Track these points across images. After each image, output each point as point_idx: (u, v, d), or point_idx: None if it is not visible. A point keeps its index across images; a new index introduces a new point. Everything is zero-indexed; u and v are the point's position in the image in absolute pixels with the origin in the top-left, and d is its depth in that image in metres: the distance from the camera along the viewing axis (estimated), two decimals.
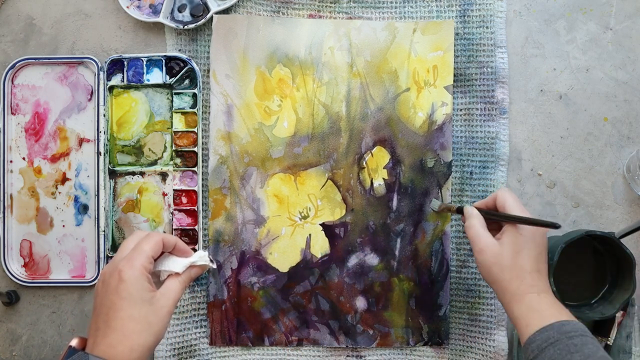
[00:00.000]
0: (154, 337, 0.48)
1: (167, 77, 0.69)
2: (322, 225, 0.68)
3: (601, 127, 0.69)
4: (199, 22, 0.68)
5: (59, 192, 0.69)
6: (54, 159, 0.69)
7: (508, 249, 0.56)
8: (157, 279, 0.54)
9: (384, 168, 0.68)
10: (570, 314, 0.53)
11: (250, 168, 0.68)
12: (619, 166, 0.69)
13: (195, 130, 0.68)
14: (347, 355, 0.68)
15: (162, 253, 0.54)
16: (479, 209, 0.59)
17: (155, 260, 0.52)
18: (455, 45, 0.68)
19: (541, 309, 0.53)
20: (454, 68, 0.68)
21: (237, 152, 0.68)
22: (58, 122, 0.69)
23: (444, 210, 0.66)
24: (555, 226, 0.53)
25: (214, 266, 0.57)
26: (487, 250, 0.56)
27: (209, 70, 0.69)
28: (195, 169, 0.68)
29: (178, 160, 0.69)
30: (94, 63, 0.68)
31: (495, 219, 0.58)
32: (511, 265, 0.55)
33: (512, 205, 0.57)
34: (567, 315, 0.53)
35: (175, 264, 0.53)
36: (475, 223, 0.58)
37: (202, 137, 0.69)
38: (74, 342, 0.49)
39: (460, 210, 0.62)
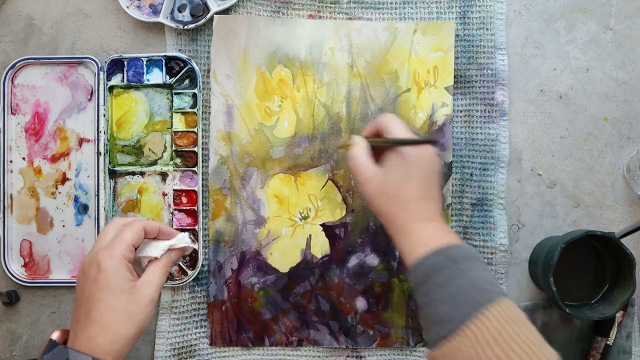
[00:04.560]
0: (135, 327, 0.48)
1: (167, 77, 0.69)
2: (323, 225, 0.68)
3: (601, 127, 0.69)
4: (199, 22, 0.68)
5: (59, 192, 0.69)
6: (54, 159, 0.69)
7: (391, 177, 0.52)
8: (139, 267, 0.53)
9: None
10: (458, 238, 0.51)
11: (250, 168, 0.68)
12: (619, 166, 0.69)
13: (195, 130, 0.68)
14: (347, 356, 0.68)
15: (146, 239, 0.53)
16: (367, 138, 0.56)
17: (137, 247, 0.51)
18: (455, 47, 0.68)
19: (426, 236, 0.50)
20: (454, 70, 0.68)
21: (237, 153, 0.68)
22: (58, 122, 0.69)
23: (342, 147, 0.63)
24: (433, 142, 0.50)
25: (195, 246, 0.56)
26: (371, 181, 0.53)
27: (209, 70, 0.69)
28: (195, 169, 0.68)
29: (178, 160, 0.69)
30: (94, 63, 0.68)
31: (379, 145, 0.55)
32: (395, 193, 0.52)
33: (394, 128, 0.54)
34: (454, 239, 0.50)
35: (153, 249, 0.52)
36: (358, 152, 0.54)
37: (202, 137, 0.69)
38: (55, 335, 0.48)
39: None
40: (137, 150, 0.69)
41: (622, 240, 0.62)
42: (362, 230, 0.68)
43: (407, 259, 0.51)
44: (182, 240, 0.54)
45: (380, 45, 0.68)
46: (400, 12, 0.69)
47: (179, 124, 0.68)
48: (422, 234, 0.51)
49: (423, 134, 0.58)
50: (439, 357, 0.45)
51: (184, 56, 0.68)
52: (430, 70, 0.68)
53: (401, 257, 0.51)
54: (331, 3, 0.69)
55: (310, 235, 0.68)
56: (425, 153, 0.53)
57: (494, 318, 0.44)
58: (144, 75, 0.68)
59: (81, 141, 0.69)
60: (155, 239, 0.53)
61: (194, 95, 0.68)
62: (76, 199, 0.69)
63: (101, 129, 0.68)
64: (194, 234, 0.68)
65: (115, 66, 0.69)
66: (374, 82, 0.68)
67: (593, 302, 0.64)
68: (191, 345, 0.68)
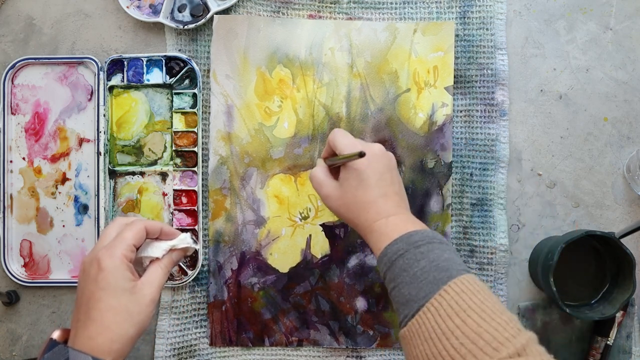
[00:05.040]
0: (135, 327, 0.48)
1: (167, 77, 0.69)
2: (323, 225, 0.68)
3: (601, 127, 0.69)
4: (199, 22, 0.68)
5: (59, 192, 0.69)
6: (54, 159, 0.69)
7: (347, 187, 0.55)
8: (140, 267, 0.53)
9: None
10: (422, 224, 0.53)
11: (250, 169, 0.68)
12: (619, 166, 0.69)
13: (195, 130, 0.68)
14: (347, 356, 0.68)
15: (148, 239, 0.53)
16: (325, 159, 0.60)
17: (139, 247, 0.51)
18: (455, 47, 0.68)
19: (389, 230, 0.52)
20: (454, 70, 0.68)
21: (237, 153, 0.68)
22: (58, 122, 0.69)
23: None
24: (361, 155, 0.51)
25: (197, 247, 0.57)
26: (330, 195, 0.56)
27: (209, 70, 0.69)
28: (195, 169, 0.68)
29: (178, 160, 0.69)
30: (94, 63, 0.68)
31: (334, 164, 0.58)
32: (354, 201, 0.54)
33: (338, 143, 0.56)
34: (417, 227, 0.52)
35: (155, 250, 0.52)
36: (316, 171, 0.58)
37: (202, 137, 0.69)
38: (56, 335, 0.48)
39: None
40: (137, 150, 0.69)
41: (622, 240, 0.62)
42: None
43: (375, 254, 0.53)
44: (184, 240, 0.54)
45: (380, 45, 0.68)
46: (400, 12, 0.69)
47: (179, 124, 0.68)
48: (386, 229, 0.53)
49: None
50: (406, 335, 0.47)
51: (184, 56, 0.68)
52: (430, 70, 0.68)
53: (374, 256, 0.53)
54: (331, 3, 0.69)
55: (310, 236, 0.68)
56: (372, 156, 0.55)
57: (453, 292, 0.46)
58: (144, 75, 0.68)
59: (81, 141, 0.69)
60: (156, 239, 0.53)
61: (194, 95, 0.68)
62: (76, 199, 0.69)
63: (101, 129, 0.68)
64: (194, 234, 0.68)
65: (115, 66, 0.69)
66: (374, 82, 0.68)
67: (593, 302, 0.64)
68: (191, 345, 0.68)
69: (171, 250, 0.53)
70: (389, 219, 0.53)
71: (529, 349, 0.42)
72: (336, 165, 0.57)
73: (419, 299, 0.47)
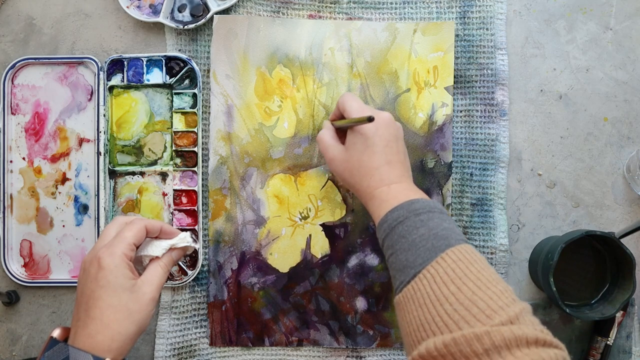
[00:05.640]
0: (135, 326, 0.48)
1: (167, 77, 0.69)
2: (323, 225, 0.68)
3: (601, 127, 0.69)
4: (199, 22, 0.68)
5: (59, 192, 0.69)
6: (54, 159, 0.69)
7: (352, 151, 0.56)
8: (140, 266, 0.53)
9: None
10: (423, 194, 0.54)
11: (250, 168, 0.68)
12: (619, 166, 0.69)
13: (195, 130, 0.68)
14: (347, 356, 0.68)
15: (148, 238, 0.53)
16: (332, 122, 0.60)
17: (139, 246, 0.52)
18: (455, 47, 0.68)
19: (390, 197, 0.53)
20: (454, 70, 0.68)
21: (237, 153, 0.68)
22: (58, 122, 0.69)
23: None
24: (369, 119, 0.52)
25: (197, 246, 0.57)
26: (335, 158, 0.57)
27: (209, 70, 0.69)
28: (195, 169, 0.68)
29: (178, 160, 0.69)
30: (94, 63, 0.68)
31: (342, 127, 0.58)
32: (358, 166, 0.55)
33: (348, 106, 0.57)
34: (418, 195, 0.52)
35: (155, 248, 0.52)
36: (323, 133, 0.59)
37: (202, 137, 0.69)
38: (56, 333, 0.48)
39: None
40: (137, 150, 0.69)
41: (622, 240, 0.62)
42: (362, 230, 0.68)
43: (375, 220, 0.53)
44: (184, 239, 0.54)
45: (380, 45, 0.68)
46: (400, 12, 0.69)
47: (179, 124, 0.68)
48: (387, 196, 0.53)
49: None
50: (401, 300, 0.47)
51: (184, 56, 0.68)
52: (430, 70, 0.68)
53: (374, 222, 0.54)
54: (331, 3, 0.69)
55: (310, 235, 0.68)
56: (381, 122, 0.56)
57: (450, 259, 0.46)
58: (144, 75, 0.68)
59: (81, 141, 0.69)
60: (156, 238, 0.53)
61: (194, 95, 0.68)
62: (76, 199, 0.69)
63: (101, 129, 0.68)
64: (194, 233, 0.68)
65: (115, 66, 0.69)
66: (374, 82, 0.68)
67: (593, 302, 0.64)
68: (191, 345, 0.68)
69: (171, 249, 0.53)
70: (391, 187, 0.54)
71: (522, 318, 0.42)
72: (343, 128, 0.58)
73: (415, 265, 0.47)
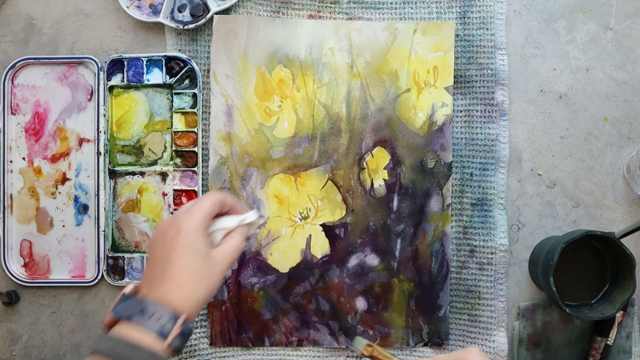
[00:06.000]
0: (206, 292, 0.47)
1: (167, 77, 0.69)
2: (323, 225, 0.68)
3: (601, 127, 0.69)
4: (199, 22, 0.68)
5: (59, 192, 0.69)
6: (54, 159, 0.69)
7: None
8: (211, 241, 0.53)
9: (384, 169, 0.68)
10: None
11: (250, 168, 0.68)
12: (619, 166, 0.69)
13: (195, 130, 0.68)
14: (347, 356, 0.68)
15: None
16: None
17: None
18: (455, 47, 0.68)
19: None
20: (454, 70, 0.68)
21: (237, 153, 0.68)
22: (58, 122, 0.69)
23: (373, 357, 0.53)
24: None
25: (263, 220, 0.57)
26: None
27: (209, 71, 0.69)
28: (195, 169, 0.68)
29: (178, 160, 0.69)
30: (94, 63, 0.68)
31: None
32: None
33: None
34: None
35: (228, 222, 0.52)
36: None
37: (202, 137, 0.69)
38: (128, 289, 0.48)
39: None
40: (137, 150, 0.69)
41: (622, 240, 0.62)
42: (362, 230, 0.68)
43: None
44: (251, 215, 0.54)
45: (380, 45, 0.68)
46: (400, 12, 0.69)
47: (179, 124, 0.68)
48: None
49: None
50: None
51: (184, 56, 0.68)
52: (430, 70, 0.68)
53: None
54: (331, 3, 0.69)
55: (310, 236, 0.68)
56: None
57: None
58: (144, 75, 0.68)
59: (81, 141, 0.69)
60: (225, 214, 0.53)
61: (194, 95, 0.68)
62: (76, 199, 0.69)
63: (101, 129, 0.68)
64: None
65: (115, 66, 0.69)
66: (374, 82, 0.68)
67: (593, 302, 0.64)
68: (191, 345, 0.68)
69: (241, 225, 0.53)
70: None
71: None
72: None
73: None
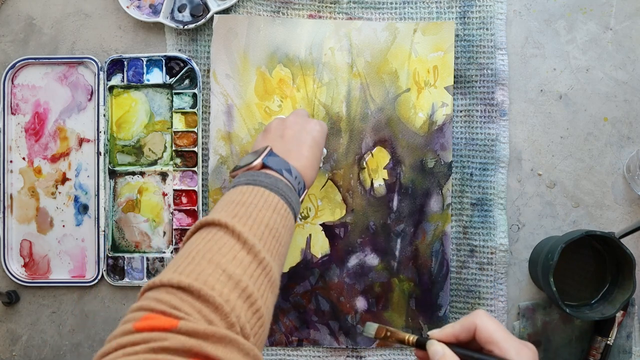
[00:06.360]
0: (313, 178, 0.58)
1: (167, 77, 0.69)
2: (322, 225, 0.68)
3: (601, 127, 0.69)
4: (199, 22, 0.68)
5: (59, 192, 0.69)
6: (54, 159, 0.69)
7: None
8: None
9: (384, 168, 0.68)
10: None
11: None
12: (619, 166, 0.69)
13: (195, 130, 0.68)
14: (347, 356, 0.68)
15: None
16: (450, 345, 0.45)
17: None
18: (455, 47, 0.68)
19: None
20: (454, 69, 0.68)
21: (237, 152, 0.68)
22: (58, 122, 0.69)
23: (386, 338, 0.49)
24: None
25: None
26: None
27: (209, 70, 0.69)
28: (195, 169, 0.68)
29: (178, 160, 0.69)
30: (94, 63, 0.68)
31: None
32: None
33: (510, 350, 0.43)
34: None
35: None
36: None
37: (202, 137, 0.69)
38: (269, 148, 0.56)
39: (420, 344, 0.46)
40: (137, 150, 0.69)
41: (622, 240, 0.62)
42: (362, 230, 0.68)
43: None
44: None
45: (380, 45, 0.68)
46: (400, 12, 0.69)
47: (179, 124, 0.68)
48: None
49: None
50: None
51: (184, 56, 0.68)
52: (430, 70, 0.68)
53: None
54: (331, 3, 0.69)
55: (310, 235, 0.68)
56: None
57: None
58: (144, 75, 0.68)
59: (81, 141, 0.69)
60: None
61: (194, 95, 0.68)
62: (76, 199, 0.69)
63: (101, 129, 0.68)
64: None
65: (115, 66, 0.69)
66: (374, 82, 0.68)
67: (593, 302, 0.64)
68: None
69: None
70: None
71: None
72: None
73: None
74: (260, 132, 0.62)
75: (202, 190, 0.68)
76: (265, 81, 0.68)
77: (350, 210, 0.68)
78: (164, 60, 0.68)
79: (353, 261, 0.68)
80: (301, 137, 0.58)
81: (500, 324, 0.44)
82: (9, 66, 0.68)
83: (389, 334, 0.48)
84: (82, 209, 0.69)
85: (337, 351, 0.68)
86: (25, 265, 0.69)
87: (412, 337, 0.46)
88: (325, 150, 0.66)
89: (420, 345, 0.45)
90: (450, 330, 0.45)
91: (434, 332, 0.46)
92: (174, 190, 0.68)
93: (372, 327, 0.49)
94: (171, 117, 0.69)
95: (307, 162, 0.56)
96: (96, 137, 0.68)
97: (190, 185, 0.68)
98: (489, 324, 0.44)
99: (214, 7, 0.68)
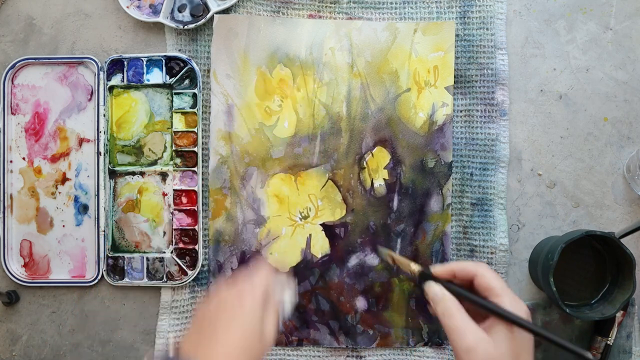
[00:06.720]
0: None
1: (167, 77, 0.69)
2: (323, 225, 0.68)
3: (601, 127, 0.69)
4: (199, 22, 0.68)
5: (59, 192, 0.69)
6: (54, 159, 0.69)
7: (506, 351, 0.43)
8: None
9: (384, 168, 0.68)
10: None
11: (250, 168, 0.68)
12: (619, 166, 0.69)
13: (195, 130, 0.68)
14: (347, 356, 0.68)
15: None
16: (447, 283, 0.47)
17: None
18: (455, 47, 0.68)
19: None
20: (454, 69, 0.68)
21: (237, 152, 0.68)
22: (58, 122, 0.69)
23: (397, 263, 0.53)
24: (585, 356, 0.42)
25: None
26: (478, 350, 0.43)
27: (209, 70, 0.69)
28: (195, 169, 0.68)
29: (178, 160, 0.69)
30: (94, 63, 0.68)
31: (490, 312, 0.45)
32: None
33: (505, 295, 0.44)
34: None
35: (288, 295, 0.52)
36: (455, 311, 0.45)
37: (202, 137, 0.69)
38: (171, 351, 0.46)
39: (424, 276, 0.48)
40: (137, 150, 0.69)
41: (622, 240, 0.62)
42: (362, 230, 0.68)
43: None
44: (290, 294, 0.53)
45: (381, 45, 0.68)
46: (400, 12, 0.69)
47: (179, 124, 0.68)
48: None
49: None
50: None
51: (184, 56, 0.68)
52: (431, 70, 0.68)
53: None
54: (331, 3, 0.69)
55: (310, 235, 0.68)
56: (532, 339, 0.45)
57: None
58: (144, 75, 0.68)
59: (81, 141, 0.69)
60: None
61: (194, 95, 0.68)
62: (76, 199, 0.69)
63: (101, 129, 0.68)
64: (194, 233, 0.68)
65: (115, 66, 0.69)
66: (374, 81, 0.68)
67: (593, 302, 0.64)
68: None
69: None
70: None
71: None
72: (488, 312, 0.45)
73: None
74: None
75: (202, 190, 0.68)
76: (265, 81, 0.68)
77: (350, 210, 0.68)
78: (164, 60, 0.68)
79: (353, 261, 0.68)
80: (226, 318, 0.47)
81: (500, 277, 0.46)
82: (9, 66, 0.68)
83: (396, 258, 0.52)
84: (82, 209, 0.69)
85: (337, 351, 0.68)
86: (25, 265, 0.69)
87: (416, 268, 0.49)
88: (288, 306, 0.53)
89: (423, 277, 0.48)
90: (454, 266, 0.47)
91: (437, 268, 0.48)
92: (174, 190, 0.68)
93: (384, 251, 0.60)
94: (171, 117, 0.69)
95: (227, 353, 0.44)
96: (96, 137, 0.68)
97: (190, 185, 0.68)
98: (489, 273, 0.45)
99: (214, 7, 0.68)
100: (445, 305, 0.46)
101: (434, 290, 0.47)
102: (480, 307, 0.45)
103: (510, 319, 0.43)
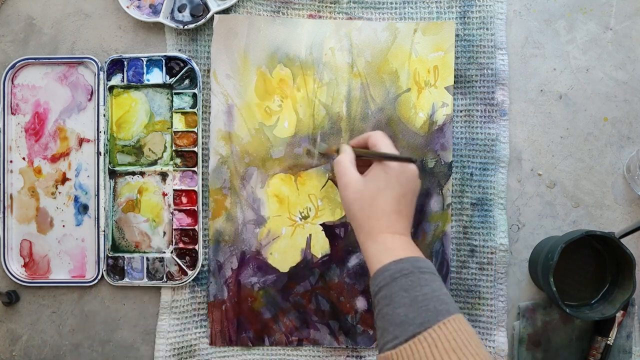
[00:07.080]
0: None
1: (167, 77, 0.69)
2: (323, 225, 0.68)
3: (601, 127, 0.69)
4: (199, 22, 0.68)
5: (59, 192, 0.69)
6: (54, 159, 0.69)
7: (370, 186, 0.54)
8: None
9: None
10: (423, 256, 0.53)
11: (250, 168, 0.68)
12: (619, 166, 0.69)
13: (195, 130, 0.68)
14: (347, 356, 0.68)
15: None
16: (354, 148, 0.58)
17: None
18: (455, 47, 0.68)
19: (394, 247, 0.52)
20: (454, 69, 0.68)
21: (237, 152, 0.68)
22: (58, 122, 0.69)
23: (327, 152, 0.64)
24: (412, 160, 0.55)
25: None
26: (350, 186, 0.55)
27: (209, 70, 0.69)
28: (195, 169, 0.68)
29: (178, 160, 0.68)
30: (94, 63, 0.68)
31: (365, 156, 0.57)
32: (370, 203, 0.54)
33: (382, 144, 0.56)
34: (421, 255, 0.52)
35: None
36: (345, 158, 0.57)
37: (202, 137, 0.69)
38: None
39: (339, 151, 0.60)
40: (137, 150, 0.69)
41: (622, 240, 0.62)
42: None
43: (373, 264, 0.52)
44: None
45: (381, 45, 0.68)
46: (400, 12, 0.69)
47: (179, 124, 0.68)
48: (391, 244, 0.53)
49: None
50: (392, 357, 0.46)
51: (184, 56, 0.68)
52: (431, 70, 0.68)
53: (366, 262, 0.54)
54: (331, 3, 0.69)
55: (310, 235, 0.68)
56: (408, 172, 0.56)
57: (452, 328, 0.46)
58: (144, 75, 0.68)
59: (81, 141, 0.69)
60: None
61: (194, 95, 0.68)
62: (76, 199, 0.69)
63: (101, 129, 0.68)
64: (194, 233, 0.68)
65: (115, 66, 0.69)
66: (374, 81, 0.68)
67: (593, 302, 0.64)
68: (191, 345, 0.68)
69: None
70: (395, 236, 0.53)
71: None
72: (369, 158, 0.57)
73: (415, 324, 0.46)
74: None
75: (202, 190, 0.68)
76: (265, 81, 0.68)
77: None
78: (164, 60, 0.68)
79: (353, 261, 0.68)
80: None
81: (390, 141, 0.57)
82: (9, 66, 0.68)
83: (327, 150, 0.63)
84: (82, 209, 0.69)
85: (337, 351, 0.68)
86: (25, 265, 0.69)
87: (336, 147, 0.59)
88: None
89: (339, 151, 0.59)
90: (356, 139, 0.60)
91: (350, 142, 0.61)
92: (174, 190, 0.68)
93: (322, 147, 0.65)
94: (171, 117, 0.69)
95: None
96: (96, 137, 0.68)
97: (190, 185, 0.68)
98: (375, 134, 0.58)
99: (214, 7, 0.68)
100: (340, 157, 0.57)
101: (342, 147, 0.58)
102: (364, 156, 0.57)
103: (371, 155, 0.56)
